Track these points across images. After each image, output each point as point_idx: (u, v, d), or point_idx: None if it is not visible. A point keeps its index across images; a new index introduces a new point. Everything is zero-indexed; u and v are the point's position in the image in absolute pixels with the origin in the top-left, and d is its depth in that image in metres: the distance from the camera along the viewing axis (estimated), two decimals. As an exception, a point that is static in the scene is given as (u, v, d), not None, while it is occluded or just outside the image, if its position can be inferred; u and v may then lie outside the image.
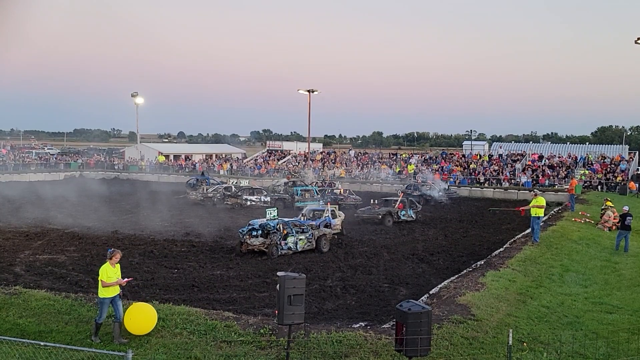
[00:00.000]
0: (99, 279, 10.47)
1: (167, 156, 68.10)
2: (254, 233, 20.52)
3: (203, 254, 20.67)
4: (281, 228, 20.78)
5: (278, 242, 20.44)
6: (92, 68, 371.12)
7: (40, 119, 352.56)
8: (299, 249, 20.98)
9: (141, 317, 10.58)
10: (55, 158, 66.99)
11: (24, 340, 9.11)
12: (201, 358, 9.43)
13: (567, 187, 35.86)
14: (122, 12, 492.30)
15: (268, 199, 36.02)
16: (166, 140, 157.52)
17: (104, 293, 10.45)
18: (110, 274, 10.47)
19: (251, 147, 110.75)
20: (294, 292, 8.67)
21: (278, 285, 8.78)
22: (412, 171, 52.66)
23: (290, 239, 20.82)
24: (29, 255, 19.82)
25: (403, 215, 30.19)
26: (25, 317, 11.64)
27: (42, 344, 8.14)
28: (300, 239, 21.07)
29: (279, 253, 20.36)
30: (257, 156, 69.69)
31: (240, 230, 21.39)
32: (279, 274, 9.07)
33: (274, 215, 21.50)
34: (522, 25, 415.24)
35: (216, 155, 74.26)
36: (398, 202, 30.70)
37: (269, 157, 66.79)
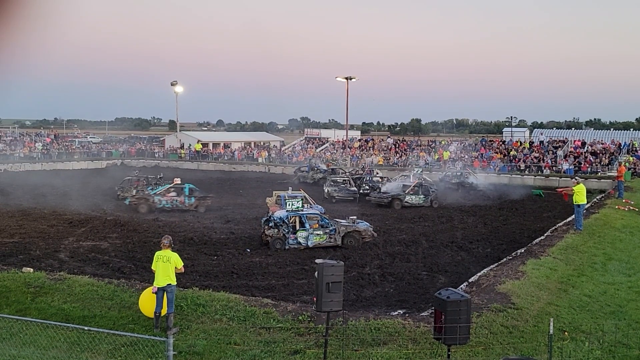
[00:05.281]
0: (180, 266, 10.79)
1: (205, 144, 68.66)
2: (270, 224, 20.06)
3: (242, 242, 20.85)
4: (289, 221, 19.90)
5: (286, 236, 19.73)
6: (132, 57, 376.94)
7: (83, 108, 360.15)
8: (311, 245, 19.84)
9: None
10: (97, 146, 68.23)
11: (68, 324, 9.31)
12: (241, 344, 9.54)
13: (616, 173, 34.91)
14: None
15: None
16: (205, 128, 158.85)
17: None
18: None
19: (289, 135, 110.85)
20: (333, 280, 8.67)
21: (316, 272, 8.79)
22: (447, 158, 52.19)
23: (302, 234, 19.91)
24: (72, 242, 20.27)
25: None
26: (69, 302, 11.92)
27: (86, 328, 8.31)
28: (317, 234, 20.00)
29: (285, 247, 19.64)
30: (295, 144, 69.82)
31: (261, 220, 21.16)
32: (317, 261, 9.09)
33: (297, 207, 20.58)
34: (564, 8, 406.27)
35: (254, 143, 74.51)
36: None
37: (307, 144, 66.86)
